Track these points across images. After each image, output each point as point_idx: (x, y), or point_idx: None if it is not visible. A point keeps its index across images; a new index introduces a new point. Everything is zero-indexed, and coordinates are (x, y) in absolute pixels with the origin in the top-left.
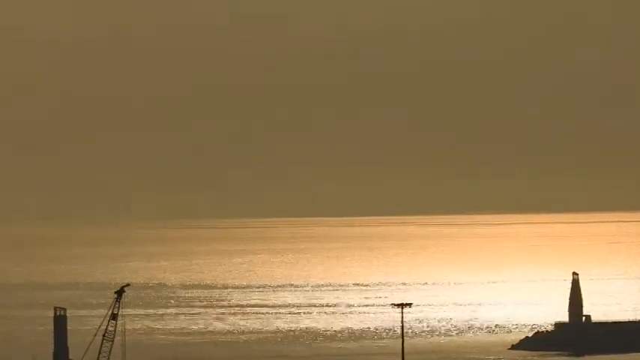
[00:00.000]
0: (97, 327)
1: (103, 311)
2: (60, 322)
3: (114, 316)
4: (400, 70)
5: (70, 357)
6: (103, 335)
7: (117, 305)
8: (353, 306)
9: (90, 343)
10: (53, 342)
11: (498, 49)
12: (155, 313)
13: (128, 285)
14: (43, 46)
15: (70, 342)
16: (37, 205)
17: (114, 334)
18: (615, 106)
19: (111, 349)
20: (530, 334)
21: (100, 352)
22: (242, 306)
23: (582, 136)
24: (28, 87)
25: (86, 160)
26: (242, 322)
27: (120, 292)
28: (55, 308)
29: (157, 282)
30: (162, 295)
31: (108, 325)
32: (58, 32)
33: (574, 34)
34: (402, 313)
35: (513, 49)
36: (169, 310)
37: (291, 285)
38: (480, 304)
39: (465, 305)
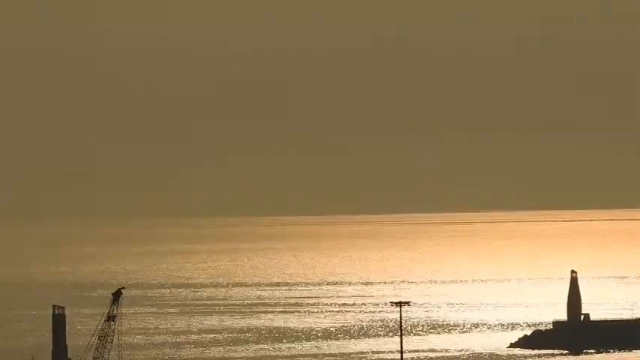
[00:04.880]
0: (96, 327)
1: (100, 310)
2: (58, 320)
3: (110, 318)
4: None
5: (69, 356)
6: (99, 336)
7: (113, 307)
8: (352, 304)
9: (88, 344)
10: (52, 341)
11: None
12: (158, 313)
13: (124, 288)
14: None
15: (68, 340)
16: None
17: (111, 336)
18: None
19: (109, 351)
20: (528, 332)
21: (94, 353)
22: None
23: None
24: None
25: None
26: (232, 320)
27: (117, 294)
28: (54, 307)
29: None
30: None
31: (104, 326)
32: None
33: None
34: (401, 311)
35: None
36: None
37: (289, 283)
38: (478, 303)
39: (464, 303)
